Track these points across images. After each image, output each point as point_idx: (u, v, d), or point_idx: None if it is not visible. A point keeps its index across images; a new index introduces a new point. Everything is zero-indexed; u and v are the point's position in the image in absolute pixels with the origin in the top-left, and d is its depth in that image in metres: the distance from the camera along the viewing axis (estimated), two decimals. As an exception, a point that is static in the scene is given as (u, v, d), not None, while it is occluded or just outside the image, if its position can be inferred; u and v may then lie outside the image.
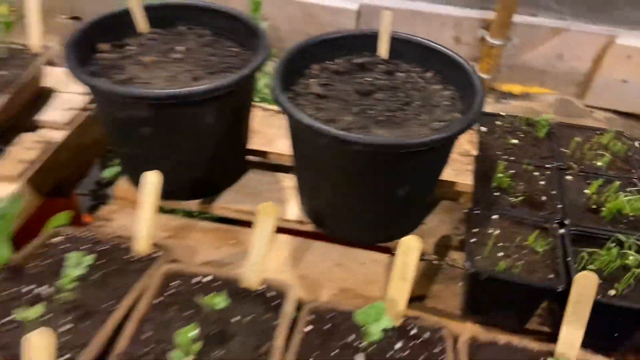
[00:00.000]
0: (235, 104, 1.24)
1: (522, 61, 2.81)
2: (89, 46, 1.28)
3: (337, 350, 0.93)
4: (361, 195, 1.13)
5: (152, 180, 1.08)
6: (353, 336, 0.95)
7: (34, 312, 0.90)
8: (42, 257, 1.07)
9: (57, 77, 1.67)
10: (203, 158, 1.25)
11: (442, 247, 1.25)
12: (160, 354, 0.89)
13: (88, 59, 1.26)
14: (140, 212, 1.08)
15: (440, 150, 1.09)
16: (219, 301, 0.97)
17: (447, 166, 1.22)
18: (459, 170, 1.42)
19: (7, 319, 0.92)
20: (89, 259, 1.03)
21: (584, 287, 0.85)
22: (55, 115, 1.55)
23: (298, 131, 1.11)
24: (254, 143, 1.49)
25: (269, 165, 1.53)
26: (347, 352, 0.93)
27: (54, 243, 1.11)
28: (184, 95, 1.09)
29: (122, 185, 1.38)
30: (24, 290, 0.98)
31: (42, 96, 1.60)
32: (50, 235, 1.13)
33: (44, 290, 0.98)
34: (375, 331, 0.89)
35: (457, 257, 1.25)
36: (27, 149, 1.45)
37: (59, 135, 1.50)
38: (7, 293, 0.98)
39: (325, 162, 1.10)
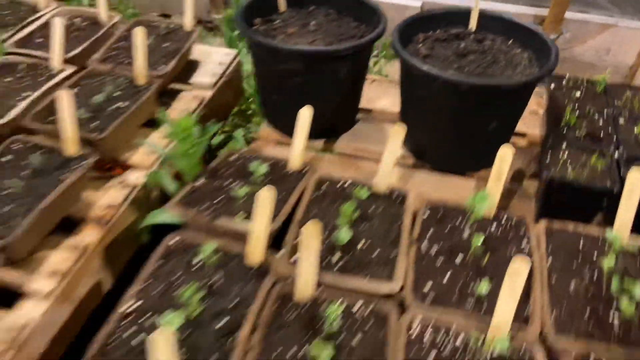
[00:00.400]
0: (359, 64, 1.64)
1: (572, 55, 3.11)
2: (247, 21, 1.70)
3: (448, 227, 1.29)
4: (459, 130, 1.50)
5: (306, 113, 1.47)
6: (459, 220, 1.32)
7: (242, 191, 1.31)
8: (227, 167, 1.48)
9: (199, 51, 2.11)
10: (333, 105, 1.65)
11: (518, 176, 1.60)
12: (327, 222, 1.28)
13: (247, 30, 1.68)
14: (296, 136, 1.47)
15: (523, 94, 1.45)
16: (363, 193, 1.35)
17: (520, 121, 1.57)
18: (529, 125, 1.77)
19: (220, 197, 1.33)
20: (264, 167, 1.43)
21: (635, 180, 1.19)
22: (203, 79, 1.98)
23: (413, 78, 1.49)
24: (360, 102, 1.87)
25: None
26: (456, 229, 1.29)
27: (231, 160, 1.52)
28: (330, 51, 1.48)
29: (265, 128, 1.79)
30: (224, 184, 1.39)
31: (192, 65, 2.04)
32: (228, 155, 1.53)
33: (238, 184, 1.39)
34: (480, 210, 1.25)
35: (529, 185, 1.59)
36: (187, 102, 1.88)
37: (207, 94, 1.93)
38: (213, 185, 1.39)
39: (434, 103, 1.48)
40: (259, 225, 1.16)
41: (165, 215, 1.50)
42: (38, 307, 1.23)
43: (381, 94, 1.93)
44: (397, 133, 1.35)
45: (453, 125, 1.49)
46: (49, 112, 1.59)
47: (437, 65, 1.51)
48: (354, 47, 1.50)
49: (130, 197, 1.51)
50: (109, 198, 1.49)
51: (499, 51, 1.57)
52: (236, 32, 2.56)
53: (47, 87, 1.67)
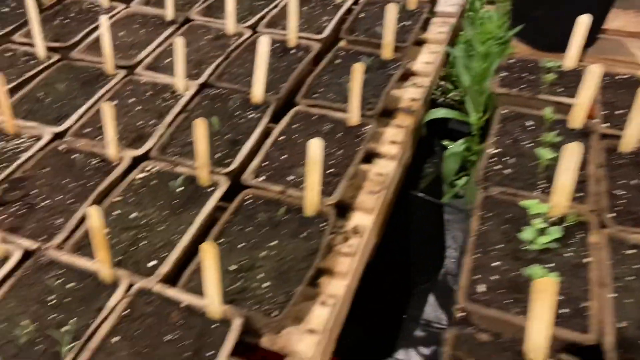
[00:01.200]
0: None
1: None
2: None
3: None
4: None
5: (585, 20, 1.73)
6: None
7: (548, 78, 1.62)
8: (512, 66, 1.79)
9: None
10: (591, 21, 1.90)
11: None
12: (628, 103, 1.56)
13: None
14: (573, 41, 1.74)
15: None
16: (650, 80, 1.61)
17: None
18: None
19: (526, 83, 1.65)
20: (551, 63, 1.73)
21: None
22: (448, 8, 2.31)
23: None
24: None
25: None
26: None
27: (512, 61, 1.82)
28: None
29: (517, 44, 2.08)
30: (522, 75, 1.71)
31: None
32: (507, 57, 1.84)
33: (537, 75, 1.70)
34: None
35: None
36: (438, 27, 2.21)
37: (452, 20, 2.26)
38: (514, 76, 1.71)
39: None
40: (584, 97, 1.46)
41: (442, 111, 1.86)
42: (389, 164, 1.62)
43: (612, 18, 2.15)
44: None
45: None
46: (352, 30, 2.00)
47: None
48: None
49: (424, 95, 1.87)
50: (409, 94, 1.86)
51: None
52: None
53: (342, 11, 2.08)
